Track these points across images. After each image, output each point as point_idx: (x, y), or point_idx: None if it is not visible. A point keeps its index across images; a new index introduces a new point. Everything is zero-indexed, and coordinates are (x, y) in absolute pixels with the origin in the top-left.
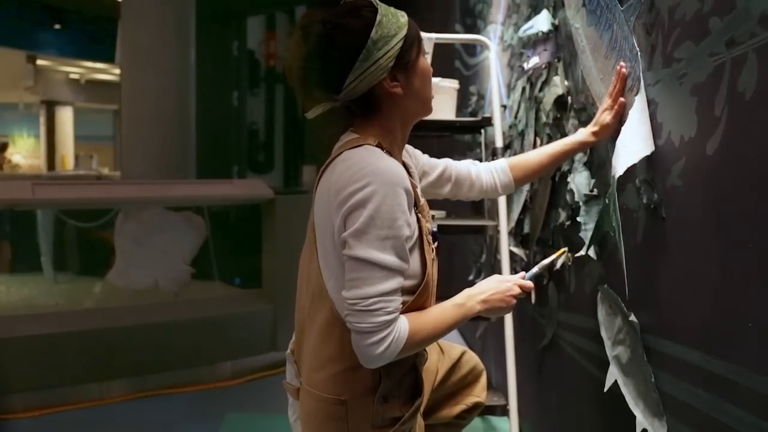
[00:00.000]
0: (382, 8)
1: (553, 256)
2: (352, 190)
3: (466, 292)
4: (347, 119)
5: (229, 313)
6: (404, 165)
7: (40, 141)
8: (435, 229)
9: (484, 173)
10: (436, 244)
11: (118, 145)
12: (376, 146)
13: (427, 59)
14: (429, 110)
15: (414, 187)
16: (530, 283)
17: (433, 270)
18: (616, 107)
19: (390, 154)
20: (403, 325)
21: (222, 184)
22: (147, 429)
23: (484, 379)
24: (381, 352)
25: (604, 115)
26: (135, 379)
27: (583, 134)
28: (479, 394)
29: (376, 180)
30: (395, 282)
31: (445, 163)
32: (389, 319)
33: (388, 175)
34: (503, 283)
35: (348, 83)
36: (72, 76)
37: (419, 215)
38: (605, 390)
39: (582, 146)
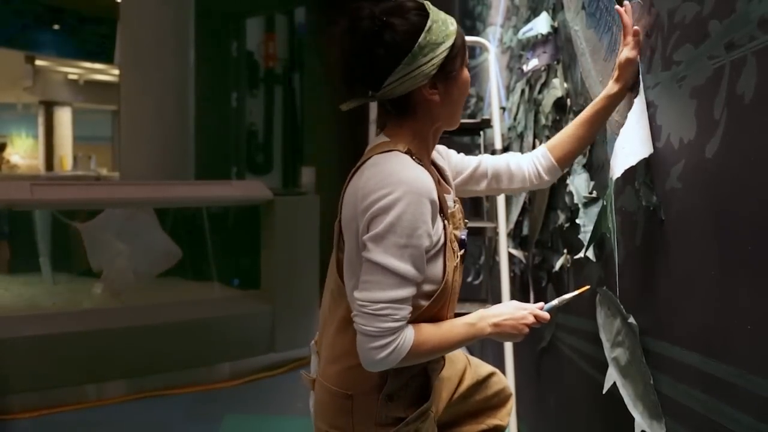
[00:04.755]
0: (433, 14)
1: (576, 292)
2: (377, 197)
3: (480, 313)
4: (381, 117)
5: (228, 315)
6: (437, 167)
7: (38, 141)
8: (463, 237)
9: (524, 163)
10: (462, 251)
11: (116, 145)
12: (406, 152)
13: None
14: (456, 123)
15: (445, 191)
16: (547, 315)
17: (454, 277)
18: (632, 39)
19: (419, 160)
20: (409, 334)
21: (221, 185)
22: (145, 430)
23: (510, 404)
24: (383, 358)
25: (622, 53)
26: (134, 380)
27: (608, 86)
28: (503, 418)
29: (400, 188)
30: (407, 291)
31: (479, 159)
32: (396, 326)
33: (413, 184)
34: (519, 311)
35: (388, 83)
36: (71, 76)
37: (446, 222)
38: (604, 392)
39: (611, 99)
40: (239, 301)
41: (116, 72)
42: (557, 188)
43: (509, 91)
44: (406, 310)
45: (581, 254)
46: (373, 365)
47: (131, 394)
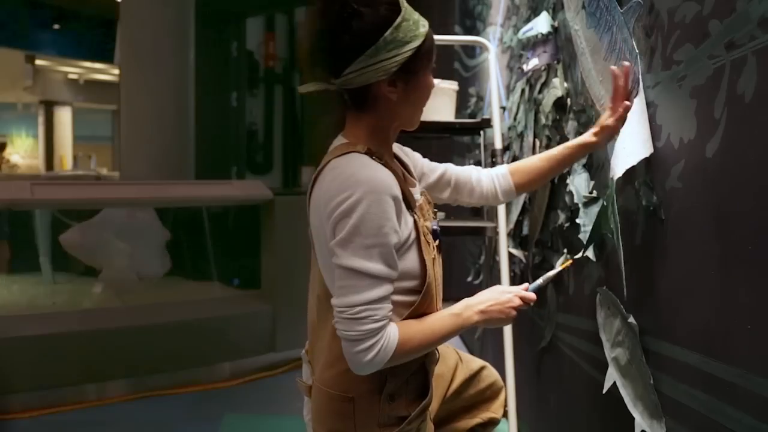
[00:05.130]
0: (406, 12)
1: (559, 269)
2: (339, 201)
3: (465, 302)
4: (340, 108)
5: (228, 314)
6: (401, 162)
7: (38, 141)
8: (436, 227)
9: (485, 179)
10: (437, 242)
11: (116, 145)
12: (366, 153)
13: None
14: (415, 125)
15: (411, 185)
16: (532, 295)
17: (434, 269)
18: (619, 110)
19: (380, 158)
20: (393, 333)
21: (221, 185)
22: (146, 430)
23: (503, 396)
24: (369, 360)
25: (606, 118)
26: (134, 380)
27: (585, 136)
28: (496, 410)
29: (360, 189)
30: (383, 290)
31: (445, 167)
32: (377, 327)
33: (372, 183)
34: (503, 295)
35: (347, 72)
36: (71, 76)
37: (415, 216)
38: (604, 392)
39: (584, 149)
40: (239, 301)
41: (116, 72)
42: (557, 188)
43: (509, 90)
44: (385, 310)
45: (581, 254)
46: (361, 369)
47: (131, 393)
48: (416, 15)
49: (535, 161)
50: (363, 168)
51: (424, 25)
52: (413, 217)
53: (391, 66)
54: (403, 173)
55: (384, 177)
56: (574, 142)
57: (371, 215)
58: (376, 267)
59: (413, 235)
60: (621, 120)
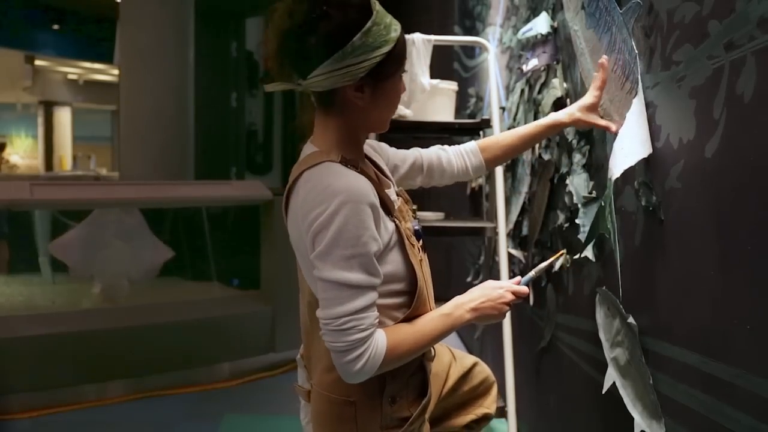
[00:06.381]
0: (378, 16)
1: (551, 259)
2: (316, 214)
3: (455, 301)
4: (311, 109)
5: (228, 314)
6: (373, 162)
7: (38, 141)
8: (418, 227)
9: (454, 157)
10: (420, 242)
11: (116, 145)
12: (340, 161)
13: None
14: (385, 129)
15: (386, 187)
16: (525, 289)
17: (423, 270)
18: (599, 92)
19: (355, 165)
20: (381, 340)
21: (220, 185)
22: (145, 430)
23: (495, 391)
24: (359, 369)
25: (586, 100)
26: (133, 380)
27: (559, 115)
28: (489, 405)
29: (336, 200)
30: (366, 299)
31: (415, 154)
32: (363, 336)
33: (348, 193)
34: (495, 290)
35: (313, 75)
36: (70, 76)
37: (396, 220)
38: (603, 392)
39: (555, 128)
40: (239, 301)
41: (116, 72)
42: (557, 188)
43: (509, 91)
44: (370, 318)
45: (581, 254)
46: (352, 378)
47: (131, 394)
48: (388, 18)
49: (506, 138)
50: (338, 177)
51: (395, 30)
52: (394, 222)
53: (359, 71)
54: (377, 174)
55: (360, 185)
56: (546, 120)
57: (349, 226)
58: (357, 277)
59: (395, 238)
60: (598, 103)
